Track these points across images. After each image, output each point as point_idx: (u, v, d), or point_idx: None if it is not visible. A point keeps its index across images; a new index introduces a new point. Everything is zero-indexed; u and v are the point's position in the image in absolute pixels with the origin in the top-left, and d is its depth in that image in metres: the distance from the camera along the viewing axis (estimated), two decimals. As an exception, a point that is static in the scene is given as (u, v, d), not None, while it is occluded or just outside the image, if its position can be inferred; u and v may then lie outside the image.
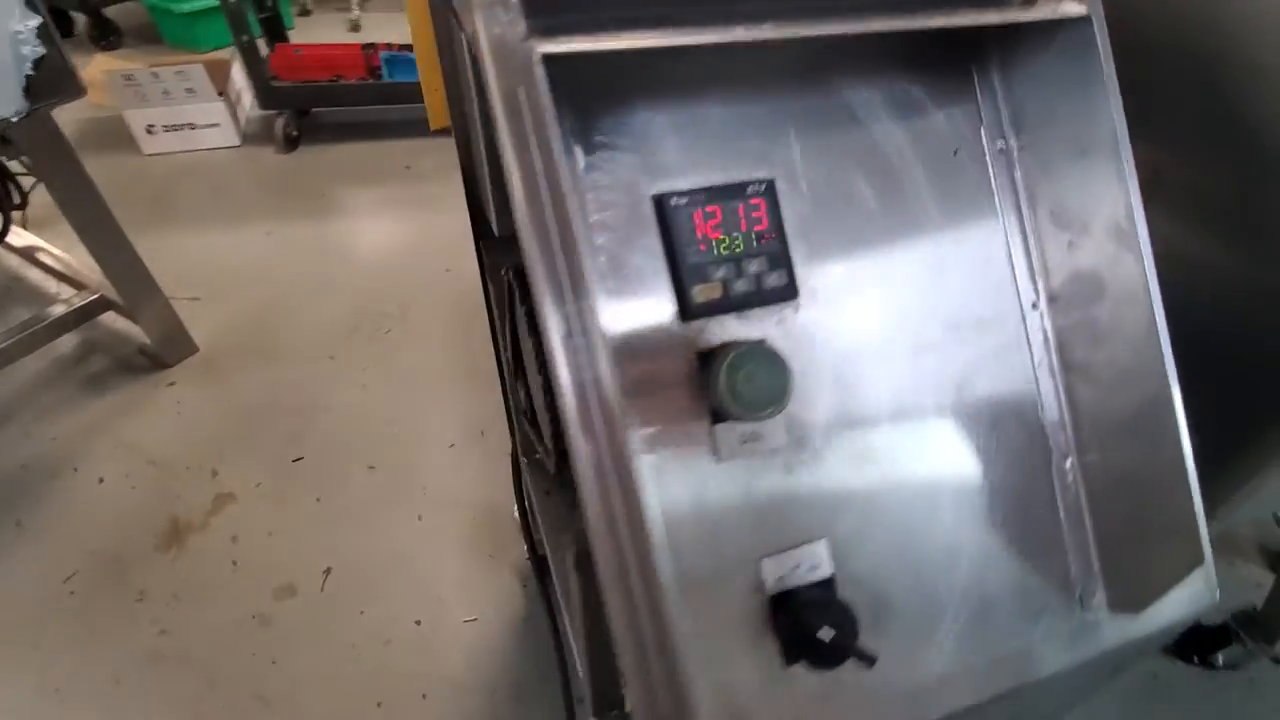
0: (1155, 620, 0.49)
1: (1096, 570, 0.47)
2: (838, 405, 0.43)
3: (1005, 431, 0.47)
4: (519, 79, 0.35)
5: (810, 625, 0.38)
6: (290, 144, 3.50)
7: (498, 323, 0.93)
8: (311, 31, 4.63)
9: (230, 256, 2.79)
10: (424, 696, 1.56)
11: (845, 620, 0.39)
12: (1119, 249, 0.44)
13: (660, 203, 0.40)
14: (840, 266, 0.44)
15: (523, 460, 1.38)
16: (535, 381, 0.81)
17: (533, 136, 0.35)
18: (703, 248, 0.41)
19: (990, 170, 0.47)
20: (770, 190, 0.42)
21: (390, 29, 5.10)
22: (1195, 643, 1.63)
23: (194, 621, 1.66)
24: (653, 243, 0.39)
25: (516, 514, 1.77)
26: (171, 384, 2.25)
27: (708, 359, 0.40)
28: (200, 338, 2.35)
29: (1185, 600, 0.50)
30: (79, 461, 2.00)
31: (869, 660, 0.39)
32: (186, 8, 4.24)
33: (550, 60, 0.33)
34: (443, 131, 4.21)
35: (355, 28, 5.09)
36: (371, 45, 3.59)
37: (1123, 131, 0.43)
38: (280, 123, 3.42)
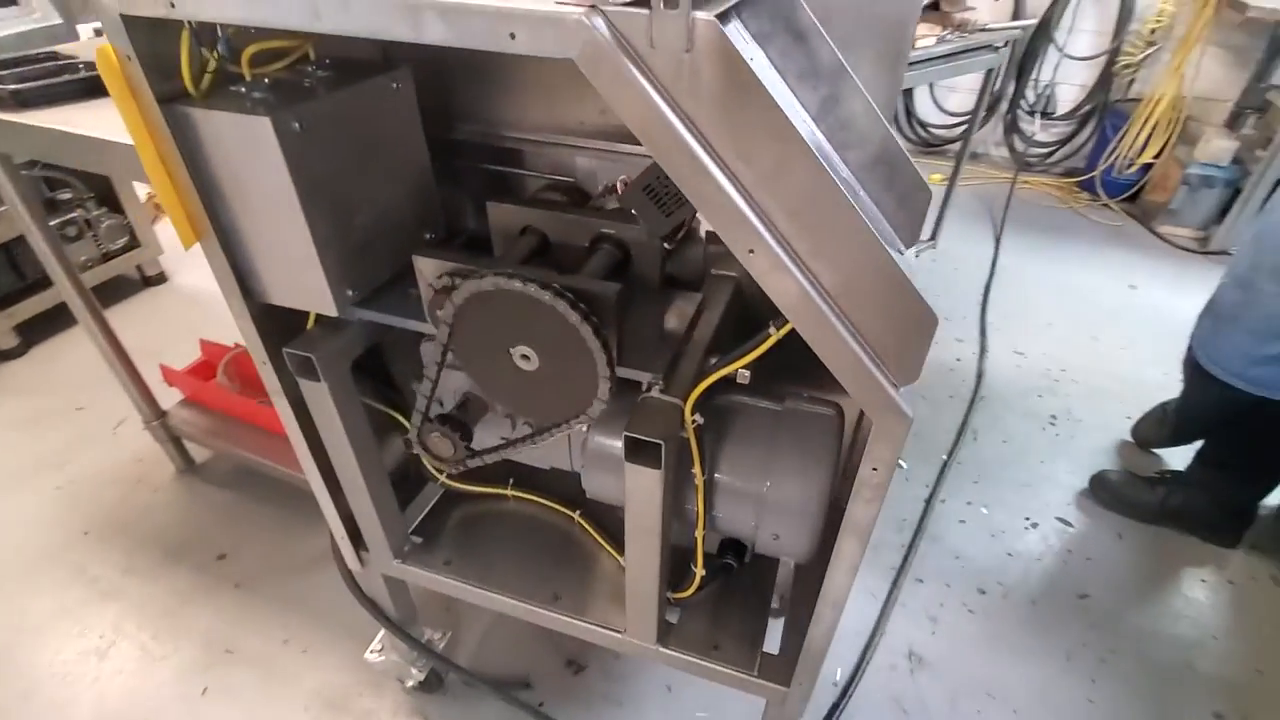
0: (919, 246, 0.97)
1: (899, 224, 0.92)
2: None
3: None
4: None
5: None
6: None
7: (433, 366, 0.90)
8: None
9: None
10: None
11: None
12: (839, 76, 0.86)
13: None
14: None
15: (396, 562, 1.28)
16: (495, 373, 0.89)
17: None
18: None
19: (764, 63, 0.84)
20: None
21: None
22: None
23: None
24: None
25: (375, 652, 1.55)
26: None
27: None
28: None
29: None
30: None
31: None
32: None
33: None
34: (155, 279, 3.07)
35: None
36: None
37: (814, 19, 0.84)
38: None
